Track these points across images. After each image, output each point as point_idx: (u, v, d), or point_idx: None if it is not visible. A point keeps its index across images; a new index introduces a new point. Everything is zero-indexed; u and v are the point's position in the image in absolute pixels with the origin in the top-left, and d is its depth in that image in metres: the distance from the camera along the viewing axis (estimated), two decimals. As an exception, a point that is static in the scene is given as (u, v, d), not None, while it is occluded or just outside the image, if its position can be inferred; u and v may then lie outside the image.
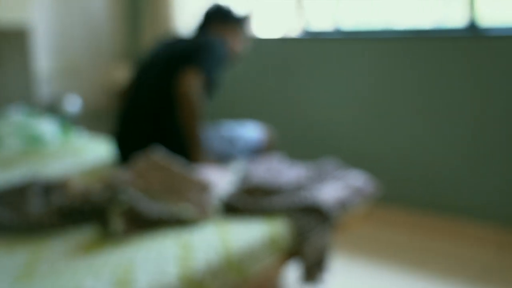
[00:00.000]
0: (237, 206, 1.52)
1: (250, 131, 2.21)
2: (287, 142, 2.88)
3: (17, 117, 2.52)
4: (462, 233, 2.38)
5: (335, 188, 1.70)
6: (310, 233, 1.48)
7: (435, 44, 2.38)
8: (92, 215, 1.41)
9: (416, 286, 1.94)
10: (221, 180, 1.80)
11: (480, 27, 2.29)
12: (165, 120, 1.94)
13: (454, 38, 2.33)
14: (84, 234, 1.35)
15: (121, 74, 3.28)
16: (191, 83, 1.84)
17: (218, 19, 2.09)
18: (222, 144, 2.11)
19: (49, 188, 1.57)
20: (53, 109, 2.92)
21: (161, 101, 1.93)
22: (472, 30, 2.30)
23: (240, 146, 2.16)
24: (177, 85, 1.87)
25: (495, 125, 2.26)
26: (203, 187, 1.57)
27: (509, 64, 2.20)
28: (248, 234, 1.34)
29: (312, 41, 2.79)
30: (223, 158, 2.07)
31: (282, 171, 1.83)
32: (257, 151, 2.20)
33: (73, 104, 2.96)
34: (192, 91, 1.84)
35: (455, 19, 2.38)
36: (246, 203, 1.53)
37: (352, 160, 2.67)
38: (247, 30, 2.17)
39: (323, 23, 2.83)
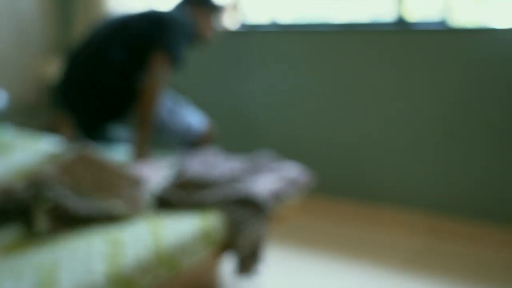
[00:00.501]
0: (170, 201, 1.50)
1: (195, 119, 2.22)
2: (223, 135, 2.88)
3: None
4: (394, 220, 2.47)
5: (269, 180, 1.71)
6: (244, 225, 1.48)
7: (367, 37, 2.45)
8: (16, 213, 1.34)
9: (351, 274, 2.00)
10: (154, 174, 1.77)
11: (408, 22, 2.37)
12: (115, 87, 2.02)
13: (384, 32, 2.41)
14: (7, 234, 1.29)
15: (52, 68, 3.15)
16: (159, 71, 1.97)
17: (196, 2, 2.21)
18: (167, 116, 2.14)
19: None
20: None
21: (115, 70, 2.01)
22: (400, 25, 2.38)
23: (181, 129, 2.16)
24: (146, 71, 1.98)
25: (424, 115, 2.36)
26: (135, 182, 1.54)
27: (433, 56, 2.29)
28: (180, 228, 1.33)
29: (249, 34, 2.80)
30: (161, 129, 2.12)
31: (217, 164, 1.82)
32: (195, 141, 2.20)
33: (-1, 99, 2.82)
34: (158, 81, 1.97)
35: (386, 14, 2.45)
36: (179, 197, 1.51)
37: (288, 152, 2.71)
38: (219, 18, 2.28)
39: (260, 16, 2.84)
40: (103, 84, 2.01)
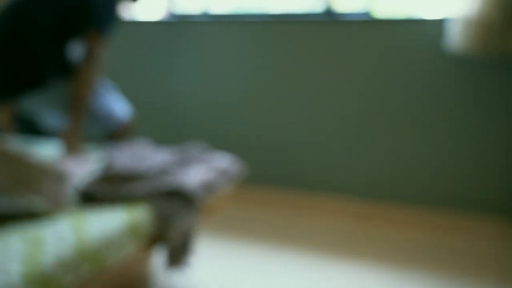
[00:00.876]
0: (95, 195, 1.45)
1: (118, 107, 2.15)
2: (152, 127, 2.83)
3: None
4: (325, 207, 2.53)
5: (200, 171, 1.70)
6: (173, 217, 1.46)
7: (297, 28, 2.47)
8: None
9: (284, 261, 2.02)
10: (80, 168, 1.71)
11: (335, 13, 2.42)
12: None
13: (313, 23, 2.44)
14: None
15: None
16: (95, 55, 1.95)
17: None
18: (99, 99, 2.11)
19: None
20: None
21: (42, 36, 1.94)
22: (328, 15, 2.43)
23: (102, 114, 2.10)
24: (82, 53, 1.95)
25: (352, 104, 2.42)
26: (58, 177, 1.47)
27: (359, 46, 2.36)
28: (105, 223, 1.28)
29: (179, 24, 2.75)
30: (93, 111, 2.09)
31: (147, 157, 1.78)
32: (114, 130, 2.14)
33: None
34: (95, 67, 1.95)
35: (316, 5, 2.49)
36: (104, 191, 1.46)
37: (219, 143, 2.70)
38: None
39: (191, 7, 2.79)
40: (28, 47, 1.91)
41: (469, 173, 2.27)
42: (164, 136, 2.82)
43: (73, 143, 1.93)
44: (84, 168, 1.72)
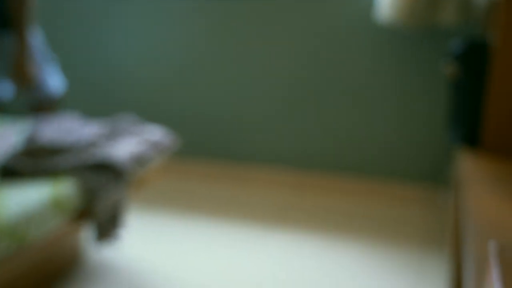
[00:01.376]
0: (16, 169, 1.39)
1: (53, 79, 2.06)
2: (81, 99, 2.73)
3: None
4: (262, 179, 2.56)
5: (130, 143, 1.66)
6: (100, 191, 1.43)
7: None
8: None
9: (220, 233, 2.03)
10: (0, 142, 1.62)
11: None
12: None
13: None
14: None
15: None
16: None
17: None
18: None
19: None
20: None
21: None
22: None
23: (36, 85, 2.01)
24: None
25: (286, 75, 2.44)
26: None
27: (293, 17, 2.36)
28: (25, 198, 1.24)
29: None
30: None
31: (74, 130, 1.72)
32: (43, 101, 2.05)
33: None
34: None
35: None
36: (26, 165, 1.40)
37: (150, 115, 2.65)
38: None
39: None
40: None
41: (399, 142, 2.35)
42: (93, 108, 2.74)
43: (24, 66, 1.83)
44: (5, 142, 1.64)
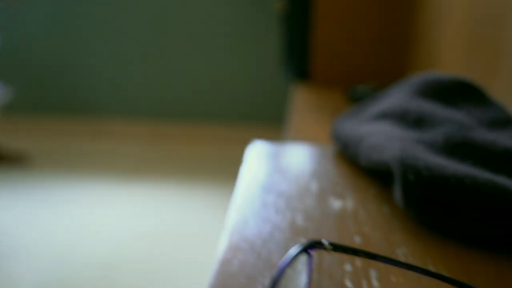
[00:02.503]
0: None
1: None
2: None
3: None
4: (119, 131, 2.48)
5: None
6: None
7: None
8: None
9: (75, 188, 1.95)
10: None
11: None
12: None
13: None
14: None
15: None
16: None
17: None
18: None
19: None
20: None
21: None
22: None
23: None
24: None
25: (134, 24, 2.34)
26: None
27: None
28: None
29: None
30: None
31: None
32: None
33: None
34: None
35: None
36: None
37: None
38: None
39: None
40: None
41: (245, 84, 2.40)
42: None
43: None
44: None
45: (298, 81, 1.47)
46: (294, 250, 0.29)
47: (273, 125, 2.43)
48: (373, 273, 0.32)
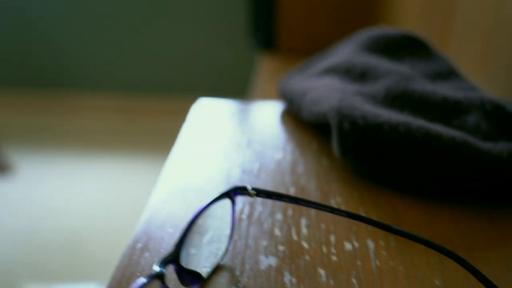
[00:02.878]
0: None
1: None
2: None
3: None
4: (88, 106, 2.43)
5: None
6: None
7: None
8: None
9: (44, 163, 1.91)
10: None
11: None
12: None
13: None
14: None
15: None
16: None
17: None
18: None
19: None
20: None
21: None
22: None
23: None
24: None
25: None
26: None
27: None
28: None
29: None
30: None
31: None
32: None
33: None
34: None
35: None
36: None
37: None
38: None
39: None
40: None
41: (214, 57, 2.37)
42: None
43: None
44: None
45: (264, 50, 1.46)
46: (217, 194, 0.28)
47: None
48: (303, 222, 0.31)
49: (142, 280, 0.21)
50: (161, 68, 2.39)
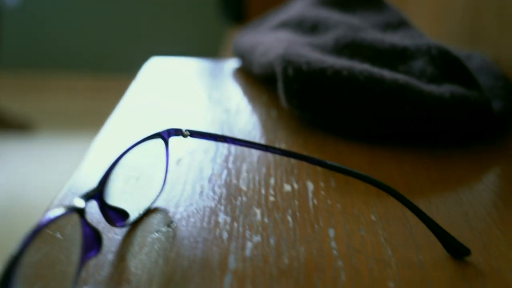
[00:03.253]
0: None
1: None
2: None
3: None
4: (58, 86, 2.39)
5: None
6: None
7: None
8: None
9: (13, 144, 1.88)
10: None
11: None
12: None
13: None
14: None
15: None
16: None
17: None
18: None
19: None
20: None
21: None
22: None
23: None
24: None
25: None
26: None
27: None
28: None
29: None
30: None
31: None
32: None
33: None
34: None
35: None
36: None
37: None
38: None
39: None
40: None
41: (183, 33, 2.34)
42: None
43: None
44: None
45: (233, 25, 1.44)
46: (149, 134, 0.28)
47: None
48: (244, 167, 0.31)
49: (59, 211, 0.20)
50: (129, 45, 2.35)
